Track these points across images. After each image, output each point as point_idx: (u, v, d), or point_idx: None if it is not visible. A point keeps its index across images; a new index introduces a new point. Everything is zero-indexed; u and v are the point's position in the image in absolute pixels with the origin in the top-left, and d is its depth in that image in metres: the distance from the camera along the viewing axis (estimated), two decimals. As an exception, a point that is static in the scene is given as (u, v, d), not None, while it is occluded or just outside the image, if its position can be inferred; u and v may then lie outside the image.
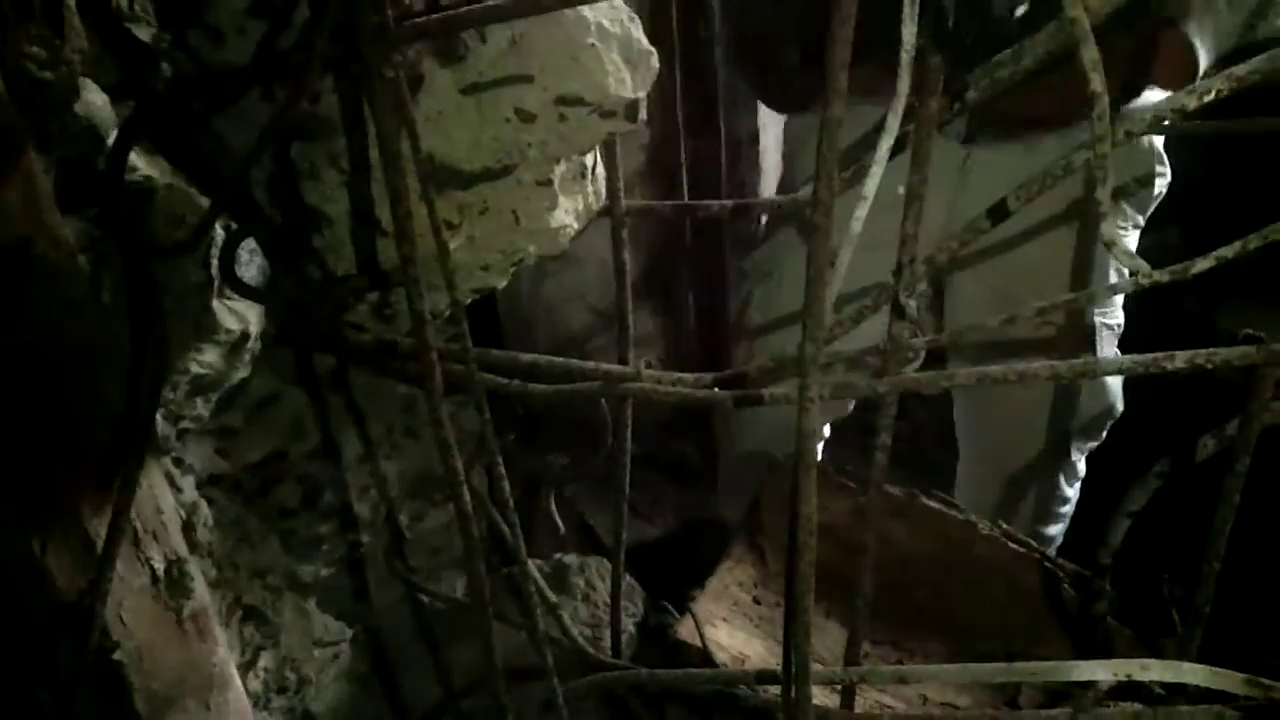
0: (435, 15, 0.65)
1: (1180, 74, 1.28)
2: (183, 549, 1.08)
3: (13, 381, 0.88)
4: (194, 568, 1.09)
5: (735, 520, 2.18)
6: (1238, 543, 0.82)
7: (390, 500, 1.33)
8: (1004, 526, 1.31)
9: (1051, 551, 1.50)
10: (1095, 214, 0.81)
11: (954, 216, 1.44)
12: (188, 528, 1.09)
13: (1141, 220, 1.57)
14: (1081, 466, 1.75)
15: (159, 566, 1.04)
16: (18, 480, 0.92)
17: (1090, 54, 0.46)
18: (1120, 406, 1.64)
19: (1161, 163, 1.53)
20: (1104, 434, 1.68)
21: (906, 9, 0.53)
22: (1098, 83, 0.47)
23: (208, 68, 0.73)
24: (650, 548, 2.28)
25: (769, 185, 2.36)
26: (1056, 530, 1.82)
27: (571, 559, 1.37)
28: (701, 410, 2.26)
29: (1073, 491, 1.77)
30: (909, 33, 0.54)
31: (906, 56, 0.55)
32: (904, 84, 0.56)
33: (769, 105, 1.80)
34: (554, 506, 1.39)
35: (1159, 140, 1.51)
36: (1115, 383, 1.64)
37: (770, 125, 2.32)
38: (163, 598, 1.04)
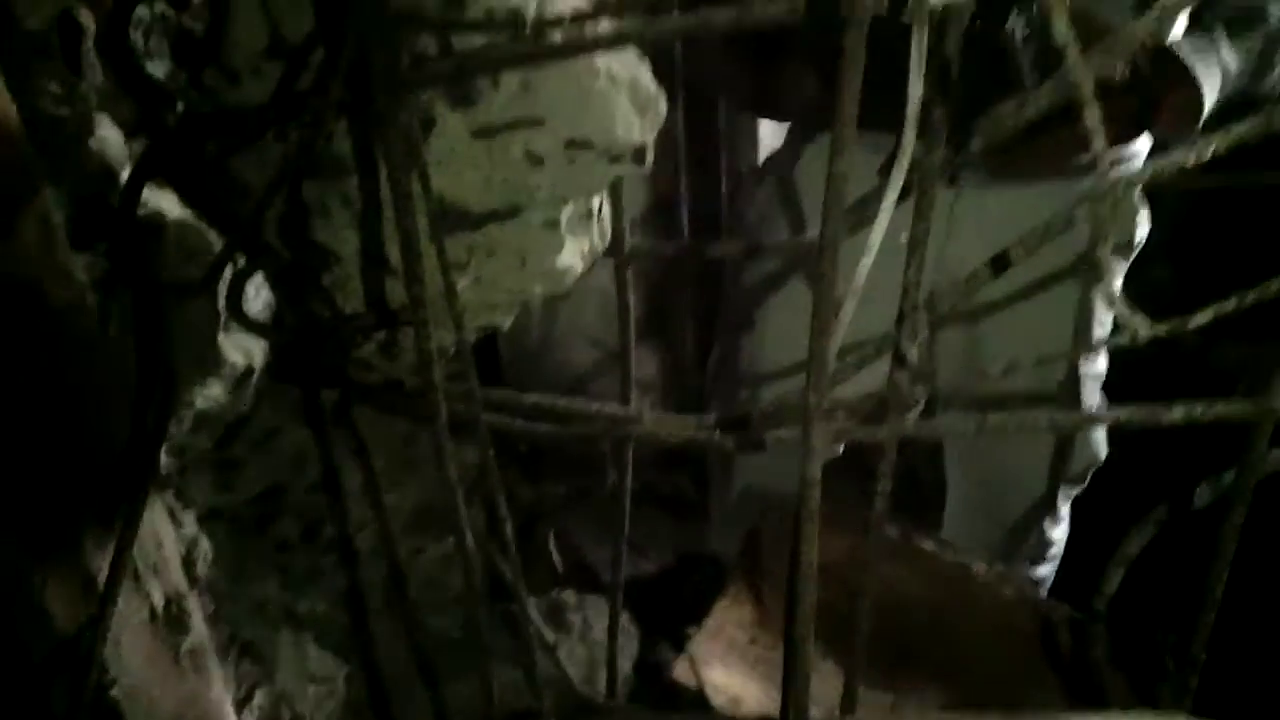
0: (448, 60, 0.66)
1: (1186, 122, 1.29)
2: (182, 584, 1.07)
3: (18, 415, 0.89)
4: (193, 603, 1.09)
5: (730, 555, 2.18)
6: (1234, 589, 0.82)
7: (389, 534, 1.33)
8: (998, 569, 1.31)
9: (1042, 592, 1.51)
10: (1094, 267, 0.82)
11: (942, 260, 1.45)
12: (187, 562, 1.09)
13: (1124, 266, 1.59)
14: (1065, 510, 1.76)
15: (158, 602, 1.04)
16: (19, 514, 0.92)
17: (1093, 115, 0.47)
18: (1104, 454, 1.65)
19: (1142, 210, 1.55)
20: (1088, 480, 1.69)
21: (913, 64, 0.54)
22: (1100, 143, 0.49)
23: (223, 107, 0.74)
24: (644, 581, 2.28)
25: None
26: (1046, 571, 1.82)
27: (569, 597, 1.37)
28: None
29: (1059, 533, 1.78)
30: (915, 88, 0.55)
31: (912, 110, 0.56)
32: (909, 138, 0.57)
33: (759, 114, 1.80)
34: (553, 543, 1.39)
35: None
36: (1101, 432, 1.65)
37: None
38: (161, 633, 1.04)
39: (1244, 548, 0.79)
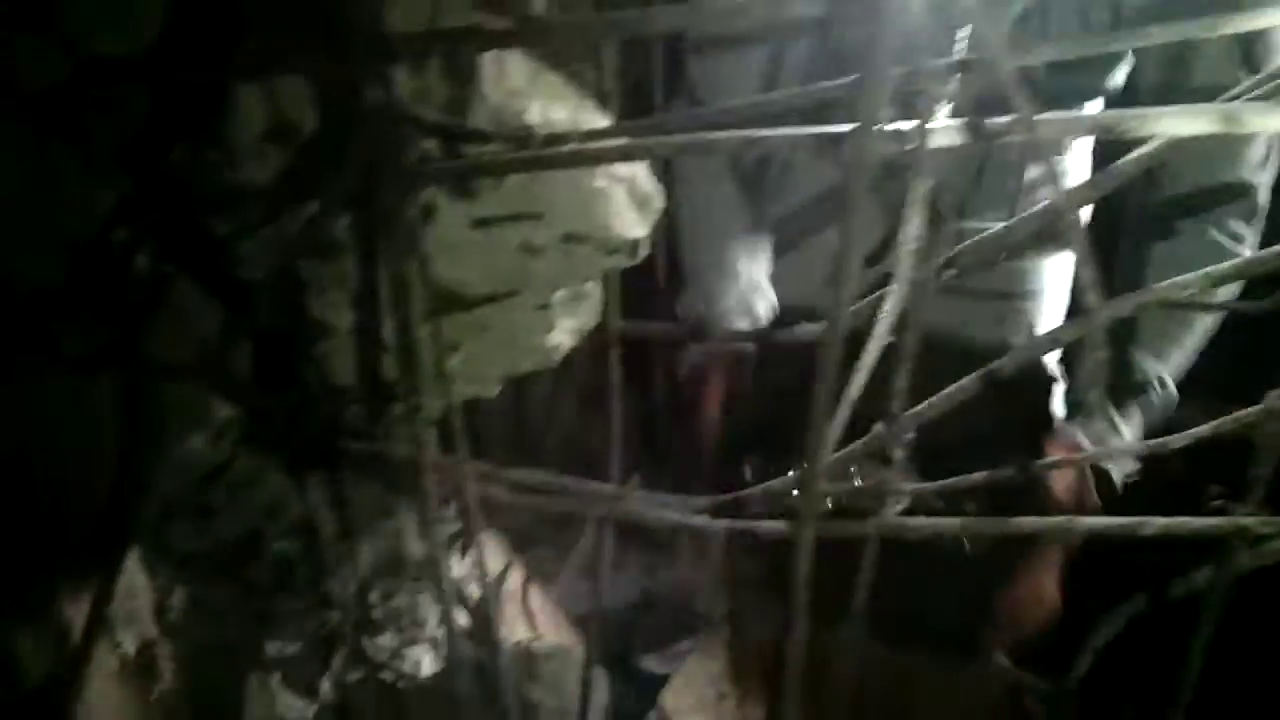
0: (455, 163, 0.67)
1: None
2: (152, 632, 1.07)
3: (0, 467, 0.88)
4: (164, 649, 1.09)
5: (699, 587, 2.19)
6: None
7: (361, 579, 1.33)
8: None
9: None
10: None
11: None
12: (160, 610, 1.09)
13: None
14: None
15: (129, 650, 1.04)
16: (-6, 564, 0.91)
17: (1087, 274, 0.49)
18: None
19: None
20: None
21: (913, 202, 0.56)
22: (1093, 299, 0.50)
23: (223, 186, 0.74)
24: (610, 615, 2.28)
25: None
26: None
27: (540, 645, 1.37)
28: (666, 475, 2.27)
29: None
30: (914, 225, 0.57)
31: (908, 245, 0.57)
32: (906, 267, 0.59)
33: None
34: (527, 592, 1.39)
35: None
36: None
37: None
38: (131, 682, 1.04)
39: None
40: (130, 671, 1.04)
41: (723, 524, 0.79)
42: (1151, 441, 0.66)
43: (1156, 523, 0.69)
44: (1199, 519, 0.69)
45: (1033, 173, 1.43)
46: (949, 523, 0.78)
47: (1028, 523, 0.75)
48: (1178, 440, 0.66)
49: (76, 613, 0.96)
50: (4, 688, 0.94)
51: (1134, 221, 1.38)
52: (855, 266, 0.59)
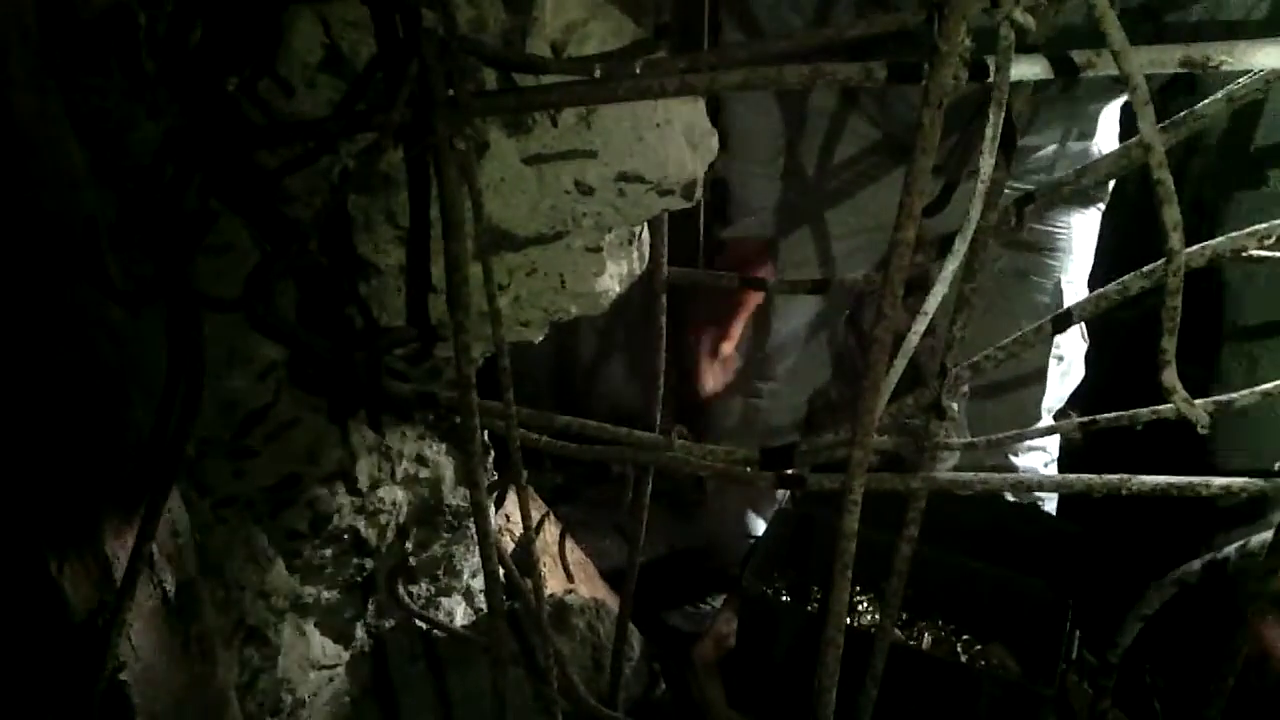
0: (511, 94, 0.66)
1: None
2: (195, 571, 1.08)
3: (47, 402, 0.88)
4: (204, 590, 1.10)
5: (724, 547, 2.20)
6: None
7: (397, 527, 1.33)
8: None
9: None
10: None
11: None
12: (201, 550, 1.09)
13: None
14: None
15: (170, 589, 1.04)
16: (39, 501, 0.92)
17: (1172, 215, 0.47)
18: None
19: None
20: None
21: (988, 140, 0.54)
22: (1176, 241, 0.48)
23: (274, 117, 0.73)
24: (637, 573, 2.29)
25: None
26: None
27: (573, 598, 1.37)
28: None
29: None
30: (986, 165, 0.55)
31: (982, 187, 0.56)
32: (976, 210, 0.57)
33: None
34: (564, 545, 1.39)
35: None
36: None
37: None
38: (171, 619, 1.05)
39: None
40: (172, 609, 1.04)
41: (769, 476, 0.78)
42: (1220, 399, 0.64)
43: (1218, 482, 0.68)
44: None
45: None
46: (997, 477, 0.77)
47: (1078, 480, 0.73)
48: (1242, 398, 0.64)
49: (121, 549, 0.96)
50: (50, 622, 0.95)
51: (1213, 168, 1.35)
52: (919, 207, 0.57)
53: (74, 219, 0.81)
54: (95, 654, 0.94)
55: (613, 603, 1.46)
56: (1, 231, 0.79)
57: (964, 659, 1.36)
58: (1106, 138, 1.55)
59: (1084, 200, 1.61)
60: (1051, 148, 1.51)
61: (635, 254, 0.88)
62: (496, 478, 1.33)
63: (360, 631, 1.40)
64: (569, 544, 1.53)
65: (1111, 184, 1.59)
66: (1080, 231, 1.63)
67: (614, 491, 2.55)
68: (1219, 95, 0.53)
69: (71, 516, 0.94)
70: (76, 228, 0.81)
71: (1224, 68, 0.47)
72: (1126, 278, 0.63)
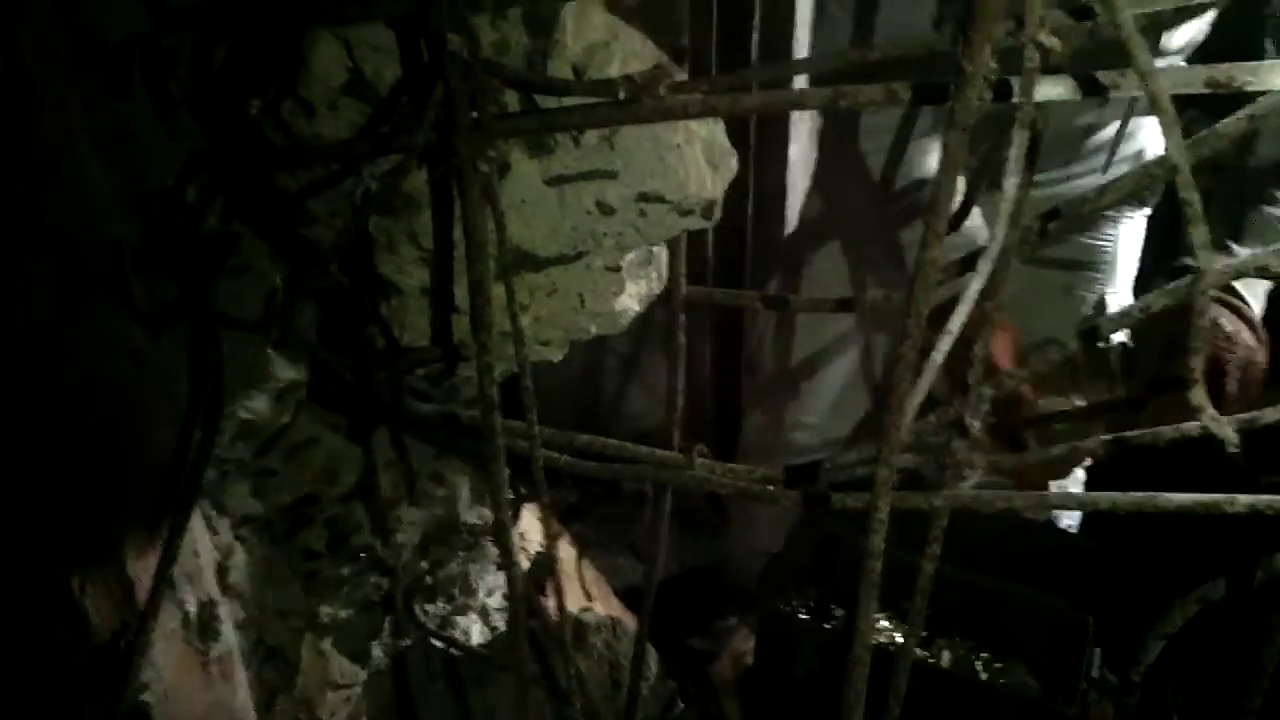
0: (533, 115, 0.66)
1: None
2: (215, 592, 1.08)
3: (69, 422, 0.89)
4: (224, 610, 1.10)
5: (741, 566, 2.19)
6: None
7: (414, 546, 1.33)
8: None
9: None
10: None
11: None
12: (221, 570, 1.10)
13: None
14: None
15: (191, 609, 1.04)
16: (61, 521, 0.92)
17: (1200, 234, 0.47)
18: None
19: None
20: None
21: (1014, 158, 0.54)
22: (1204, 260, 0.48)
23: (296, 139, 0.74)
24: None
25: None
26: None
27: (590, 616, 1.37)
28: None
29: None
30: (1011, 185, 0.55)
31: (1008, 205, 0.56)
32: (1001, 230, 0.57)
33: None
34: (581, 563, 1.39)
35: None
36: None
37: (799, 181, 2.33)
38: (192, 640, 1.05)
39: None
40: (193, 630, 1.04)
41: (794, 494, 0.78)
42: (1243, 418, 0.64)
43: (1243, 500, 0.67)
44: (1289, 496, 0.66)
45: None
46: (1021, 495, 0.76)
47: (1103, 498, 0.73)
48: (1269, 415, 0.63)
49: (143, 570, 0.96)
50: (72, 642, 0.95)
51: (1233, 184, 1.35)
52: (944, 227, 0.57)
53: (98, 242, 0.81)
54: (117, 675, 0.95)
55: (628, 621, 1.46)
56: (25, 254, 0.79)
57: (983, 677, 1.35)
58: None
59: (1132, 206, 1.59)
60: (1112, 127, 1.48)
61: (654, 273, 0.88)
62: (512, 496, 1.34)
63: (377, 651, 1.40)
64: (587, 562, 1.52)
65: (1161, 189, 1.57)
66: (1125, 241, 1.61)
67: (625, 509, 2.54)
68: (1240, 114, 0.54)
69: (93, 538, 0.94)
70: (100, 250, 0.82)
71: (1248, 88, 0.47)
72: (1149, 295, 0.63)
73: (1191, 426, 0.60)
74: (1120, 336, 1.66)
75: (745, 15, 1.43)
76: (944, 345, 0.63)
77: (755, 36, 1.49)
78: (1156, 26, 1.24)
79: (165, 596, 0.98)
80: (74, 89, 0.76)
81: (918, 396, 0.65)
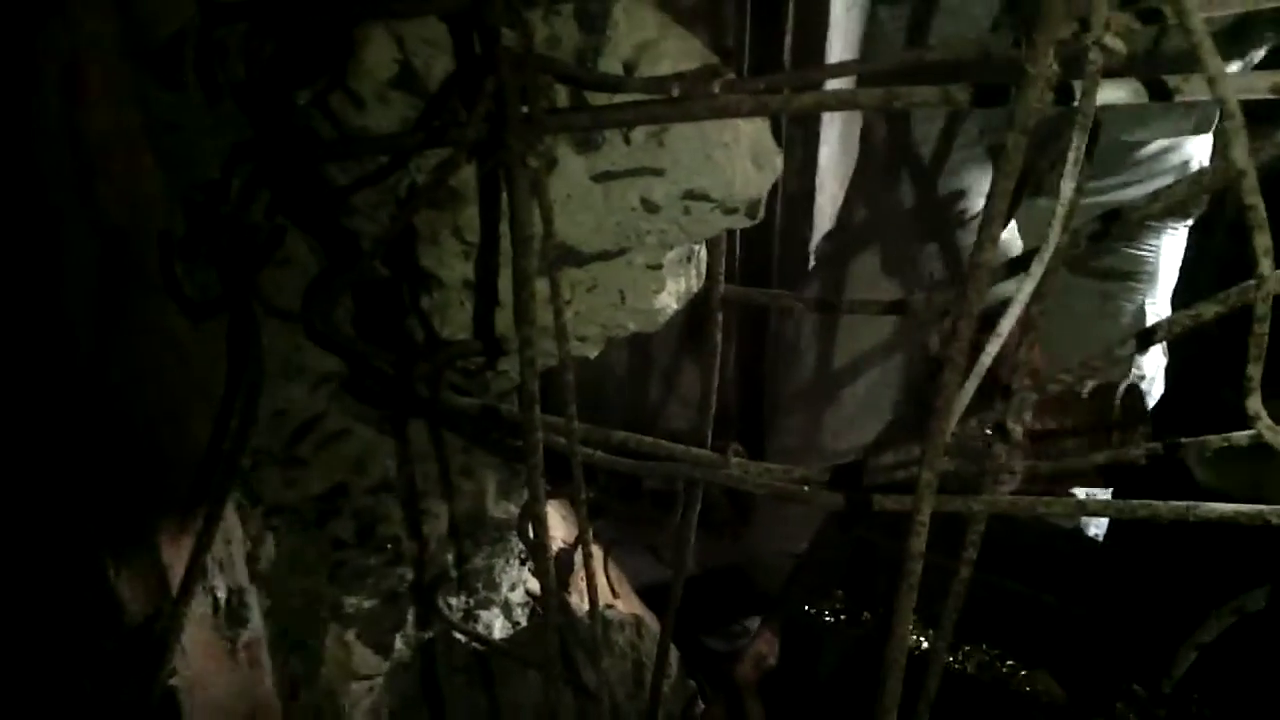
0: (585, 112, 0.66)
1: None
2: (245, 579, 1.09)
3: (110, 410, 0.90)
4: (253, 598, 1.11)
5: (763, 565, 2.18)
6: None
7: (440, 539, 1.34)
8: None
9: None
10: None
11: None
12: (251, 558, 1.10)
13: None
14: None
15: (221, 596, 1.05)
16: (98, 508, 0.93)
17: (1263, 241, 0.47)
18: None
19: None
20: None
21: (1069, 165, 0.54)
22: (1266, 267, 0.48)
23: (345, 131, 0.74)
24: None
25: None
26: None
27: (614, 614, 1.37)
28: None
29: None
30: (1067, 188, 0.55)
31: (1061, 210, 0.56)
32: (1055, 233, 0.57)
33: None
34: (606, 561, 1.39)
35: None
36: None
37: (827, 183, 2.33)
38: (221, 627, 1.05)
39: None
40: (222, 616, 1.05)
41: (833, 495, 0.78)
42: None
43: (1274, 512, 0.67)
44: None
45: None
46: (1059, 501, 0.76)
47: (1142, 506, 0.73)
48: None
49: (176, 556, 0.97)
50: (106, 626, 0.96)
51: None
52: (1000, 230, 0.57)
53: (146, 232, 0.82)
54: (150, 660, 0.95)
55: (649, 619, 1.46)
56: (71, 245, 0.80)
57: (1009, 685, 1.35)
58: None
59: (1176, 218, 1.58)
60: (1160, 143, 1.48)
61: (693, 271, 0.88)
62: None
63: (400, 643, 1.40)
64: (612, 560, 1.52)
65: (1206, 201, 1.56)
66: (1167, 253, 1.61)
67: (645, 508, 2.54)
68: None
69: (129, 524, 0.95)
70: (147, 241, 0.83)
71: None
72: (1200, 304, 0.62)
73: (1243, 436, 0.60)
74: (1137, 371, 1.66)
75: (779, 17, 1.43)
76: (992, 348, 0.63)
77: (788, 40, 1.50)
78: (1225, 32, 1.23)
79: (197, 583, 0.99)
80: (127, 79, 0.77)
81: (965, 399, 0.65)
